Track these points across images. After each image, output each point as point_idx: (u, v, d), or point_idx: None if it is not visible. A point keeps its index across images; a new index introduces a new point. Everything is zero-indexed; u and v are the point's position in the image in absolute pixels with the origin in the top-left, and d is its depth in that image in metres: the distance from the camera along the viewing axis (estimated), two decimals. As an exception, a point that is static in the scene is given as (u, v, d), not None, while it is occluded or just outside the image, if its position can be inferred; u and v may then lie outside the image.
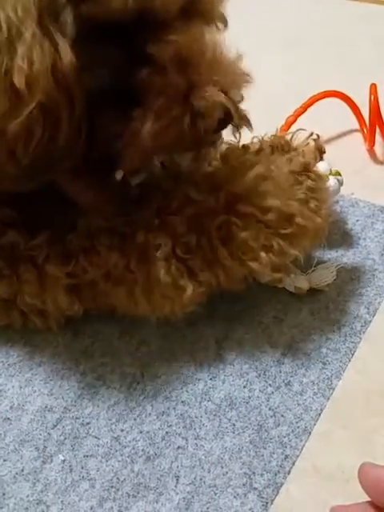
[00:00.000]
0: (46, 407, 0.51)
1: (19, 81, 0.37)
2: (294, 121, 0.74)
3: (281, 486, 0.44)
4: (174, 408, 0.50)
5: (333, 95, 0.77)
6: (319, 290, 0.57)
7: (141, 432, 0.48)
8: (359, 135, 0.80)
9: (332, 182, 0.61)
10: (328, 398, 0.50)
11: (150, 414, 0.50)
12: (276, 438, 0.47)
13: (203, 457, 0.46)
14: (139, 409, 0.50)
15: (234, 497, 0.44)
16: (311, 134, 0.58)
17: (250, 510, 0.43)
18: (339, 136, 0.81)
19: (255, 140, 0.57)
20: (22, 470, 0.47)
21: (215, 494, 0.44)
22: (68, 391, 0.52)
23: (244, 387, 0.51)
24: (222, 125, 0.44)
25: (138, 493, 0.45)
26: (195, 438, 0.47)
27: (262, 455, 0.46)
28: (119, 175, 0.46)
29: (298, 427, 0.48)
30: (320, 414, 0.49)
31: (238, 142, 0.65)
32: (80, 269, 0.49)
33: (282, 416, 0.48)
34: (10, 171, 0.40)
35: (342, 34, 1.04)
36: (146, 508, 0.44)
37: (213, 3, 0.44)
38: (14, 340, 0.57)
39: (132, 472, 0.46)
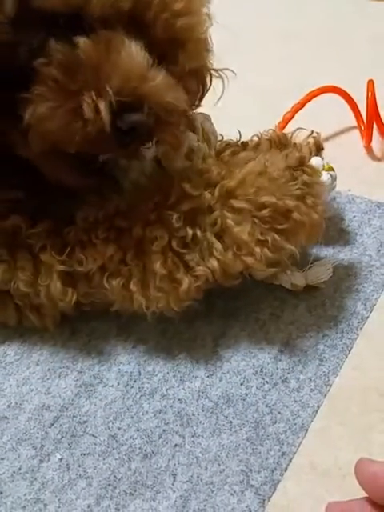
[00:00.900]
0: (43, 406, 0.51)
1: None
2: (292, 117, 0.74)
3: (278, 483, 0.44)
4: (171, 406, 0.50)
5: (331, 91, 0.77)
6: (316, 286, 0.57)
7: (138, 430, 0.48)
8: (357, 132, 0.80)
9: (325, 177, 0.61)
10: (325, 395, 0.50)
11: (146, 411, 0.50)
12: (273, 434, 0.47)
13: (200, 454, 0.46)
14: (136, 407, 0.50)
15: (231, 494, 0.44)
16: (311, 133, 0.58)
17: (246, 507, 0.43)
18: (337, 132, 0.81)
19: (254, 137, 0.57)
20: (20, 469, 0.47)
21: (212, 491, 0.44)
22: (65, 390, 0.52)
23: (241, 384, 0.51)
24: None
25: (135, 491, 0.45)
26: (192, 436, 0.47)
27: (259, 452, 0.46)
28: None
29: (295, 424, 0.48)
30: (317, 411, 0.49)
31: (238, 141, 0.66)
32: (76, 260, 0.49)
33: (279, 413, 0.49)
34: None
35: (340, 30, 1.05)
36: (143, 506, 0.44)
37: (158, 17, 0.45)
38: (12, 338, 0.57)
39: (129, 470, 0.46)
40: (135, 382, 0.52)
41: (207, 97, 0.59)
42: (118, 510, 0.44)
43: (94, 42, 0.43)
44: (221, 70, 0.58)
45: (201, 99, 0.59)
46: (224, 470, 0.45)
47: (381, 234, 0.64)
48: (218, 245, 0.48)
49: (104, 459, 0.47)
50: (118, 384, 0.52)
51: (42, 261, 0.50)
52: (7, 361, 0.55)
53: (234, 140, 0.67)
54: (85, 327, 0.57)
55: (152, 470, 0.46)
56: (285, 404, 0.49)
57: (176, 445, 0.47)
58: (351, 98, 0.77)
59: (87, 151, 0.45)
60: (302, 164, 0.51)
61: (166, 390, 0.51)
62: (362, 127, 0.78)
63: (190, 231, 0.48)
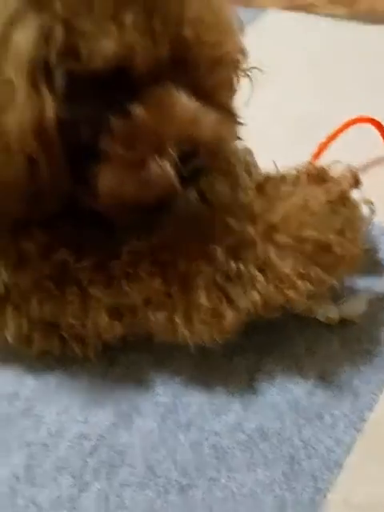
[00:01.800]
0: (82, 435, 0.53)
1: (9, 136, 0.44)
2: (326, 147, 0.75)
3: (312, 519, 0.45)
4: (207, 438, 0.51)
5: (365, 121, 0.78)
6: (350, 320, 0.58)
7: (174, 462, 0.49)
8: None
9: (364, 210, 0.62)
10: (359, 431, 0.50)
11: (182, 444, 0.51)
12: (308, 470, 0.48)
13: (236, 489, 0.47)
14: (172, 439, 0.51)
15: (266, 530, 0.44)
16: (348, 167, 0.59)
17: (281, 543, 0.44)
18: (370, 163, 0.81)
19: (292, 171, 0.58)
20: (59, 497, 0.48)
21: (248, 526, 0.45)
22: (103, 419, 0.53)
23: (276, 418, 0.51)
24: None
25: (172, 523, 0.46)
26: (228, 470, 0.48)
27: (294, 488, 0.47)
28: None
29: (330, 460, 0.48)
30: (351, 447, 0.49)
31: (276, 171, 0.67)
32: (122, 293, 0.51)
33: (314, 448, 0.49)
34: (13, 208, 0.48)
35: (370, 58, 1.05)
36: (180, 539, 0.45)
37: (203, 59, 0.47)
38: (53, 367, 0.58)
39: (166, 502, 0.47)
40: (171, 413, 0.53)
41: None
42: (155, 542, 0.45)
43: (147, 104, 0.46)
44: (248, 69, 0.58)
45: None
46: (259, 505, 0.46)
47: (416, 266, 0.64)
48: (260, 278, 0.49)
49: (142, 490, 0.48)
50: (155, 416, 0.53)
51: (90, 295, 0.51)
52: (49, 389, 0.57)
53: (271, 172, 0.68)
54: (123, 358, 0.58)
55: (188, 504, 0.47)
56: (319, 439, 0.50)
57: (211, 478, 0.48)
58: (384, 127, 0.78)
59: (152, 201, 0.48)
60: (342, 198, 0.52)
61: (202, 423, 0.52)
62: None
63: (233, 265, 0.50)
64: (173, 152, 0.45)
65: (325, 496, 0.46)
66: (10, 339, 0.54)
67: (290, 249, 0.50)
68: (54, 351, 0.56)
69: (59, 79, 0.45)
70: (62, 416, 0.54)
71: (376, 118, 0.78)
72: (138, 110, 0.46)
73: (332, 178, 0.56)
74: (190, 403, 0.53)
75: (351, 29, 1.13)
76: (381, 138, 0.79)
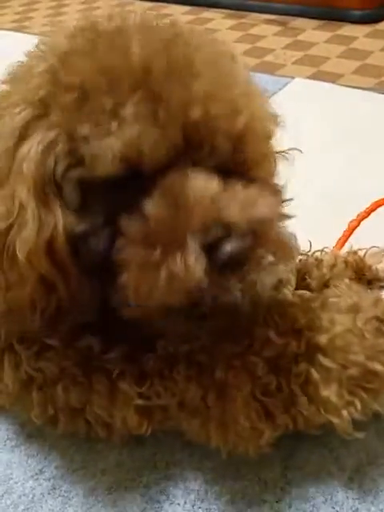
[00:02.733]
0: (110, 520, 0.51)
1: (22, 257, 0.42)
2: (357, 225, 0.75)
3: None
4: (240, 531, 0.49)
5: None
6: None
7: None
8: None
9: None
10: (397, 530, 0.48)
11: (214, 536, 0.49)
12: None
13: None
14: (204, 530, 0.50)
15: None
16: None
17: None
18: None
19: (327, 251, 0.57)
20: None
21: None
22: (132, 504, 0.52)
23: (311, 514, 0.50)
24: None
25: None
26: None
27: None
28: None
29: None
30: (389, 547, 0.47)
31: (309, 251, 0.66)
32: (154, 392, 0.49)
33: (350, 548, 0.47)
34: (31, 327, 0.46)
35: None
36: None
37: (211, 143, 0.44)
38: (78, 445, 0.57)
39: None
40: (202, 502, 0.52)
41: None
42: None
43: (160, 196, 0.42)
44: (286, 151, 0.57)
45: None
46: None
47: None
48: (302, 399, 0.48)
49: None
50: (185, 503, 0.52)
51: (120, 389, 0.50)
52: (74, 468, 0.56)
53: (304, 250, 0.68)
54: (150, 438, 0.56)
55: None
56: (356, 538, 0.48)
57: None
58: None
59: (192, 300, 0.43)
60: None
61: (234, 514, 0.50)
62: None
63: (274, 379, 0.48)
64: (195, 243, 0.41)
65: None
66: (35, 420, 0.53)
67: (335, 372, 0.48)
68: (80, 434, 0.55)
69: (69, 191, 0.43)
70: (88, 498, 0.53)
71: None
72: (150, 208, 0.42)
73: (370, 267, 0.56)
74: (222, 492, 0.52)
75: (380, 101, 1.14)
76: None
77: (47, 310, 0.44)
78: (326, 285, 0.64)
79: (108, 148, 0.41)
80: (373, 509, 0.50)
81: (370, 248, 0.59)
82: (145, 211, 0.42)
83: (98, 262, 0.44)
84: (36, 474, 0.55)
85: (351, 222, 0.76)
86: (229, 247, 0.41)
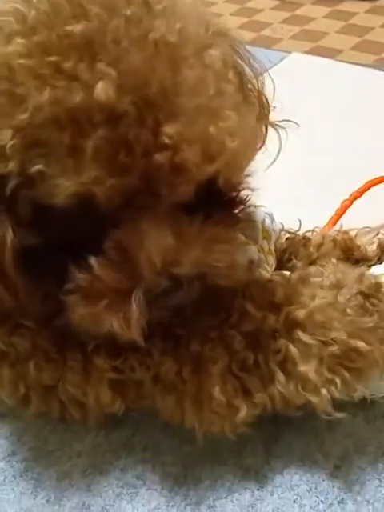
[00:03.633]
0: (83, 504, 0.49)
1: None
2: (350, 205, 0.72)
3: None
4: (218, 520, 0.47)
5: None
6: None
7: (182, 545, 0.46)
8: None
9: None
10: (384, 520, 0.46)
11: (192, 524, 0.47)
12: None
13: None
14: (181, 517, 0.47)
15: None
16: (377, 234, 0.56)
17: None
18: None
19: (317, 230, 0.55)
20: None
21: None
22: (107, 488, 0.50)
23: (294, 502, 0.48)
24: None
25: None
26: None
27: None
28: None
29: None
30: (375, 539, 0.45)
31: (298, 230, 0.64)
32: (128, 366, 0.47)
33: (334, 538, 0.45)
34: None
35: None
36: None
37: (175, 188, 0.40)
38: (53, 425, 0.55)
39: None
40: (181, 487, 0.49)
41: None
42: None
43: (109, 249, 0.41)
44: (281, 121, 0.54)
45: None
46: None
47: None
48: (280, 376, 0.45)
49: None
50: (162, 488, 0.49)
51: (94, 364, 0.48)
52: (49, 449, 0.53)
53: (293, 229, 0.66)
54: (129, 419, 0.54)
55: None
56: (340, 528, 0.46)
57: None
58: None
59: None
60: (377, 291, 0.48)
61: (213, 501, 0.48)
62: None
63: (251, 354, 0.46)
64: (140, 299, 0.40)
65: None
66: (6, 399, 0.51)
67: (314, 349, 0.45)
68: (53, 413, 0.52)
69: (21, 207, 0.40)
70: (62, 482, 0.51)
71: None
72: (96, 264, 0.41)
73: (359, 247, 0.53)
74: (201, 477, 0.50)
75: (379, 77, 1.11)
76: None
77: None
78: (312, 264, 0.61)
79: (61, 185, 0.37)
80: (359, 499, 0.48)
81: (362, 228, 0.57)
82: (93, 264, 0.41)
83: (48, 278, 0.43)
84: (8, 455, 0.53)
85: (344, 201, 0.73)
86: (176, 299, 0.42)
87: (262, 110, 0.52)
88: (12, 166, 0.38)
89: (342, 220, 0.71)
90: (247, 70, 0.50)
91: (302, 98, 0.99)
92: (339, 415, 0.46)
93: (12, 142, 0.38)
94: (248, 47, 0.51)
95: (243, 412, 0.45)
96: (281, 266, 0.62)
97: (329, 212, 0.73)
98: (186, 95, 0.38)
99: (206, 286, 0.42)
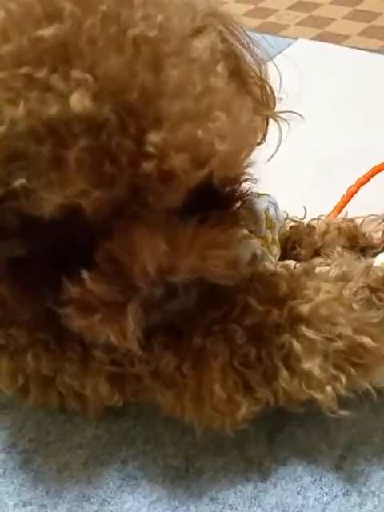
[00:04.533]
0: (84, 496, 0.48)
1: None
2: (357, 191, 0.71)
3: None
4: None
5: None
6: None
7: (183, 537, 0.45)
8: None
9: None
10: (390, 512, 0.45)
11: (194, 516, 0.46)
12: None
13: None
14: (182, 509, 0.46)
15: None
16: (382, 221, 0.55)
17: None
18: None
19: (322, 223, 0.54)
20: None
21: None
22: (107, 480, 0.49)
23: (297, 494, 0.46)
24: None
25: None
26: None
27: None
28: None
29: (356, 545, 0.43)
30: (381, 531, 0.44)
31: (303, 218, 0.63)
32: (127, 359, 0.46)
33: (339, 531, 0.44)
34: None
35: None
36: None
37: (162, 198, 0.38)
38: (54, 415, 0.54)
39: None
40: (182, 479, 0.48)
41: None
42: None
43: (101, 260, 0.39)
44: (284, 112, 0.52)
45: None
46: None
47: None
48: (283, 372, 0.44)
49: None
50: (164, 480, 0.48)
51: (93, 356, 0.47)
52: (49, 440, 0.52)
53: (298, 217, 0.64)
54: (130, 409, 0.53)
55: None
56: (345, 520, 0.45)
57: None
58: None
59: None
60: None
61: (216, 493, 0.47)
62: None
63: (253, 349, 0.44)
64: (136, 309, 0.39)
65: None
66: (5, 390, 0.50)
67: (319, 345, 0.44)
68: (52, 404, 0.52)
69: (7, 217, 0.38)
70: (62, 473, 0.50)
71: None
72: (87, 278, 0.39)
73: (364, 235, 0.51)
74: (203, 468, 0.49)
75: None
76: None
77: None
78: (316, 253, 0.60)
79: (45, 199, 0.35)
80: (365, 490, 0.46)
81: (368, 216, 0.55)
82: (85, 278, 0.39)
83: (41, 289, 0.41)
84: (8, 446, 0.52)
85: (350, 187, 0.71)
86: (173, 306, 0.41)
87: (264, 99, 0.50)
88: None
89: (348, 206, 0.70)
90: (247, 55, 0.48)
91: (309, 85, 0.98)
92: (344, 413, 0.44)
93: None
94: (254, 33, 0.49)
95: (244, 408, 0.44)
96: (285, 254, 0.60)
97: (335, 198, 0.72)
98: (171, 98, 0.35)
99: (204, 288, 0.41)
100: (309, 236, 0.61)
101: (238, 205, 0.46)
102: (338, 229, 0.53)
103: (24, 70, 0.34)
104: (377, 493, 0.46)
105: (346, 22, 1.32)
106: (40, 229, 0.37)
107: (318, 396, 0.44)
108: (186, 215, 0.40)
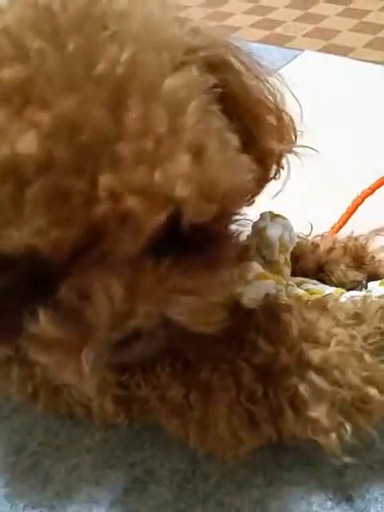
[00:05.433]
0: (92, 498, 0.49)
1: None
2: (362, 202, 0.72)
3: None
4: (227, 515, 0.47)
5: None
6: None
7: (189, 540, 0.46)
8: None
9: None
10: (393, 518, 0.46)
11: (200, 519, 0.47)
12: None
13: None
14: (189, 512, 0.47)
15: None
16: (384, 234, 0.56)
17: None
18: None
19: (326, 234, 0.54)
20: None
21: None
22: (115, 483, 0.50)
23: (301, 499, 0.47)
24: None
25: None
26: None
27: None
28: None
29: (359, 550, 0.44)
30: (383, 536, 0.45)
31: (309, 235, 0.63)
32: (134, 383, 0.46)
33: (342, 536, 0.45)
34: None
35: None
36: None
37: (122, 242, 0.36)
38: (63, 419, 0.55)
39: None
40: (189, 483, 0.49)
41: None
42: None
43: (61, 304, 0.37)
44: (298, 147, 0.52)
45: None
46: None
47: None
48: (289, 413, 0.44)
49: None
50: (171, 484, 0.49)
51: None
52: (58, 443, 0.54)
53: (305, 234, 0.65)
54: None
55: None
56: (348, 526, 0.46)
57: None
58: None
59: None
60: None
61: (222, 497, 0.48)
62: None
63: (260, 387, 0.44)
64: (92, 354, 0.37)
65: None
66: (14, 396, 0.51)
67: (327, 392, 0.44)
68: (61, 411, 0.53)
69: None
70: (71, 475, 0.51)
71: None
72: (43, 320, 0.38)
73: (372, 258, 0.52)
74: (210, 473, 0.50)
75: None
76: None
77: None
78: (320, 269, 0.60)
79: (4, 237, 0.34)
80: (368, 497, 0.47)
81: (375, 231, 0.56)
82: (41, 317, 0.38)
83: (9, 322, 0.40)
84: (18, 449, 0.53)
85: (355, 199, 0.72)
86: (138, 349, 0.39)
87: (282, 131, 0.48)
88: None
89: (353, 218, 0.71)
90: (261, 85, 0.46)
91: (315, 96, 1.00)
92: (347, 459, 0.44)
93: None
94: (260, 45, 0.49)
95: (247, 444, 0.45)
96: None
97: (340, 209, 0.73)
98: (127, 139, 0.33)
99: (177, 331, 0.39)
100: (313, 253, 0.61)
101: (228, 245, 0.44)
102: (344, 247, 0.53)
103: None
104: (380, 499, 0.47)
105: (352, 34, 1.34)
106: (3, 265, 0.36)
107: (323, 441, 0.44)
108: (161, 257, 0.38)
